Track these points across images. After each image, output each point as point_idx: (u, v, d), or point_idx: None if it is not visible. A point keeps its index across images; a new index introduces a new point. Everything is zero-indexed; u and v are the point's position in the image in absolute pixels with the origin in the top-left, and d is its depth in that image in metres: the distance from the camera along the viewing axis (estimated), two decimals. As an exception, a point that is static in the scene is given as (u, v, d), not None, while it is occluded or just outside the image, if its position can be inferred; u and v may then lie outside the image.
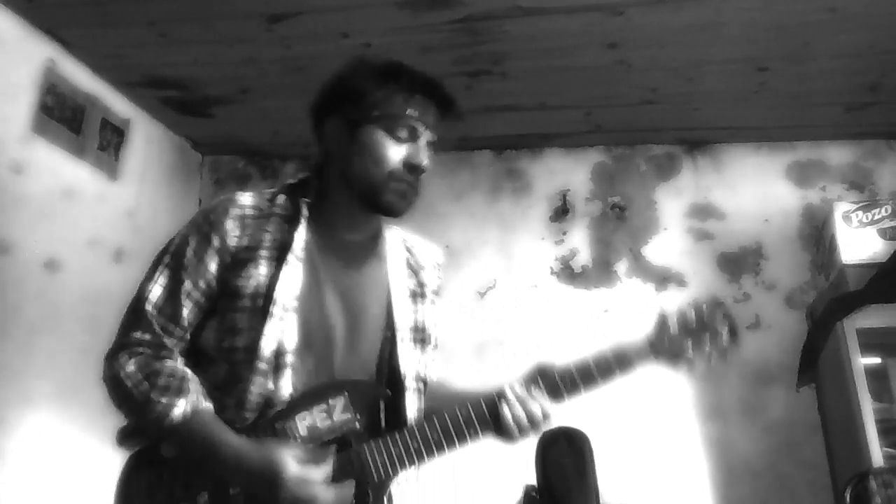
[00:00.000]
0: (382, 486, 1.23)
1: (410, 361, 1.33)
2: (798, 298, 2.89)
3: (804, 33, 2.34)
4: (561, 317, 2.97)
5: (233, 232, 1.25)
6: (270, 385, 1.20)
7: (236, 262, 1.24)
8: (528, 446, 2.44)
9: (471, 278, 3.07)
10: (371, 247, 1.38)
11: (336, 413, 1.20)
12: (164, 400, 1.16)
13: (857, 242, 2.50)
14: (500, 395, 1.23)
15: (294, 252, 1.25)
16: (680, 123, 2.99)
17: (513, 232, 3.14)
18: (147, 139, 2.96)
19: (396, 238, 1.43)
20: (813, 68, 2.54)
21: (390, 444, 1.21)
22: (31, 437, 2.27)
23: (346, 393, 1.22)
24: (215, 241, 1.25)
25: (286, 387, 1.21)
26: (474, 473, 2.71)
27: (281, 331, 1.21)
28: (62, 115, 2.49)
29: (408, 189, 1.29)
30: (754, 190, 3.05)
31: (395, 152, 1.27)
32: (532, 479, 2.44)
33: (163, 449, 1.20)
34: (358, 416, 1.21)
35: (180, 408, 1.16)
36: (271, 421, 1.19)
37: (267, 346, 1.20)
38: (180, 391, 1.17)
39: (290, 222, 1.29)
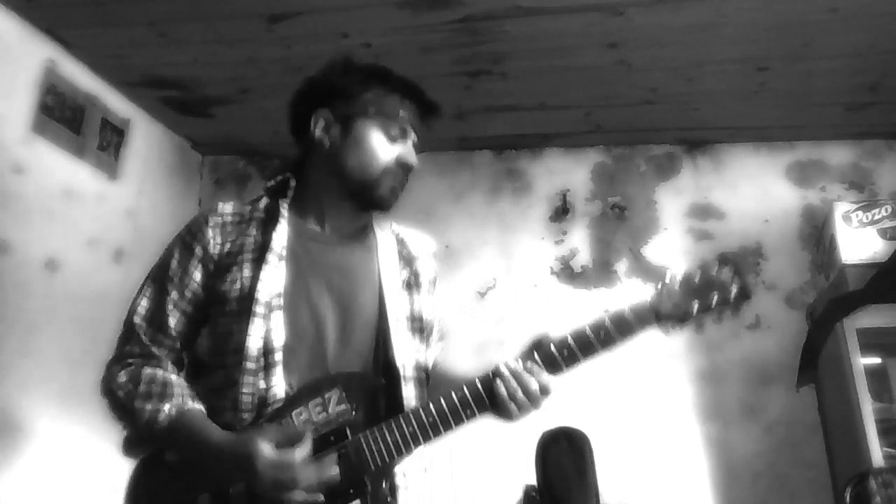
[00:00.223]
0: (381, 474, 1.21)
1: (407, 351, 1.33)
2: (798, 298, 2.89)
3: (804, 33, 2.34)
4: (561, 317, 2.96)
5: (214, 240, 1.31)
6: (262, 384, 1.21)
7: (220, 268, 1.29)
8: (528, 446, 2.45)
9: (471, 278, 3.07)
10: (360, 239, 1.39)
11: (331, 406, 1.20)
12: (149, 406, 1.20)
13: (857, 242, 2.50)
14: (496, 372, 1.21)
15: (273, 251, 1.28)
16: (680, 123, 2.99)
17: (513, 232, 3.14)
18: (147, 139, 2.96)
19: (387, 230, 1.45)
20: (813, 68, 2.54)
21: (386, 432, 1.20)
22: (32, 437, 2.27)
23: (340, 385, 1.22)
24: (198, 251, 1.30)
25: (279, 384, 1.21)
26: (474, 473, 2.72)
27: (266, 329, 1.23)
28: (62, 115, 2.49)
29: (398, 186, 1.35)
30: (754, 190, 3.05)
31: (389, 150, 1.33)
32: (532, 479, 2.44)
33: (167, 454, 1.23)
34: (354, 407, 1.21)
35: (164, 411, 1.18)
36: (268, 419, 1.19)
37: (253, 346, 1.22)
38: (163, 396, 1.20)
39: (270, 223, 1.32)
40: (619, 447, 2.68)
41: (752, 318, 2.87)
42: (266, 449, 1.12)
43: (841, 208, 2.56)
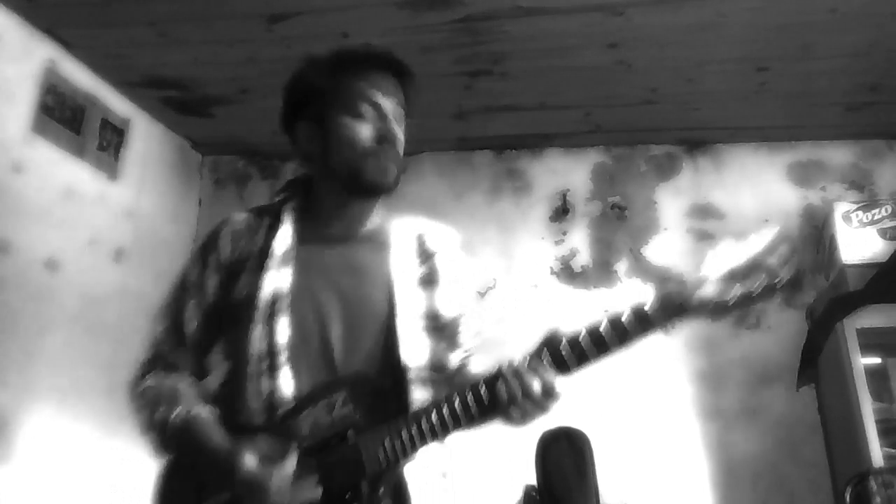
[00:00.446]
0: (380, 479, 1.18)
1: (418, 351, 1.29)
2: (798, 298, 2.89)
3: (804, 33, 2.34)
4: (561, 317, 2.96)
5: (225, 249, 1.33)
6: (269, 386, 1.22)
7: (230, 275, 1.31)
8: (528, 446, 2.45)
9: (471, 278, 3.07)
10: (372, 238, 1.37)
11: (336, 408, 1.19)
12: (159, 412, 1.22)
13: (857, 242, 2.50)
14: (498, 373, 1.15)
15: (274, 255, 1.29)
16: (680, 123, 2.99)
17: (513, 232, 3.14)
18: (147, 139, 2.96)
19: (404, 226, 1.42)
20: (813, 68, 2.54)
21: (384, 436, 1.17)
22: (32, 437, 2.27)
23: (347, 387, 1.21)
24: (212, 261, 1.33)
25: (286, 386, 1.22)
26: (474, 473, 2.71)
27: (270, 332, 1.23)
28: (62, 115, 2.49)
29: (386, 162, 1.30)
30: (754, 190, 3.05)
31: (364, 129, 1.30)
32: (532, 479, 2.44)
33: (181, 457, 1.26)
34: (357, 410, 1.19)
35: (173, 416, 1.21)
36: (280, 421, 1.20)
37: (259, 349, 1.23)
38: (172, 402, 1.22)
39: (274, 228, 1.33)
40: (619, 447, 2.68)
41: (752, 318, 2.87)
42: (247, 463, 1.12)
43: (841, 208, 2.56)
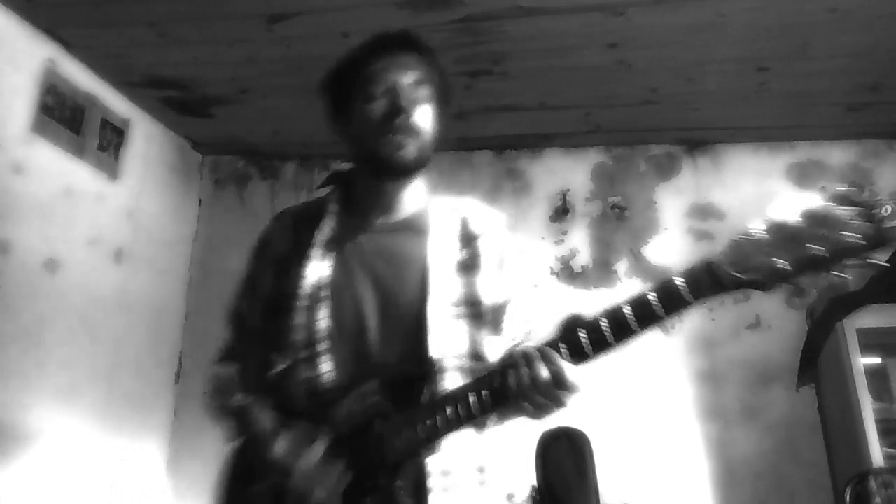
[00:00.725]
0: (399, 471, 1.16)
1: (450, 340, 1.25)
2: (798, 298, 2.89)
3: (804, 33, 2.34)
4: (561, 317, 2.96)
5: (276, 242, 1.39)
6: (310, 374, 1.25)
7: (281, 268, 1.35)
8: (528, 446, 2.44)
9: (471, 278, 3.07)
10: (410, 225, 1.35)
11: (368, 397, 1.20)
12: (221, 399, 1.34)
13: (857, 242, 2.50)
14: (507, 360, 1.11)
15: (316, 245, 1.32)
16: (680, 123, 2.99)
17: (513, 232, 3.12)
18: (147, 139, 2.96)
19: (446, 209, 1.39)
20: (813, 68, 2.54)
21: (404, 425, 1.15)
22: (32, 436, 2.27)
23: (378, 377, 1.21)
24: (266, 254, 1.40)
25: (325, 374, 1.24)
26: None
27: (311, 322, 1.26)
28: (62, 115, 2.49)
29: (401, 138, 1.27)
30: (754, 190, 3.05)
31: (375, 109, 1.29)
32: (532, 479, 2.44)
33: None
34: (388, 400, 1.19)
35: (233, 403, 1.30)
36: (318, 408, 1.22)
37: (301, 338, 1.27)
38: (233, 390, 1.33)
39: (317, 219, 1.36)
40: (619, 447, 2.68)
41: (752, 318, 2.87)
42: (277, 449, 1.17)
43: (841, 208, 2.56)
